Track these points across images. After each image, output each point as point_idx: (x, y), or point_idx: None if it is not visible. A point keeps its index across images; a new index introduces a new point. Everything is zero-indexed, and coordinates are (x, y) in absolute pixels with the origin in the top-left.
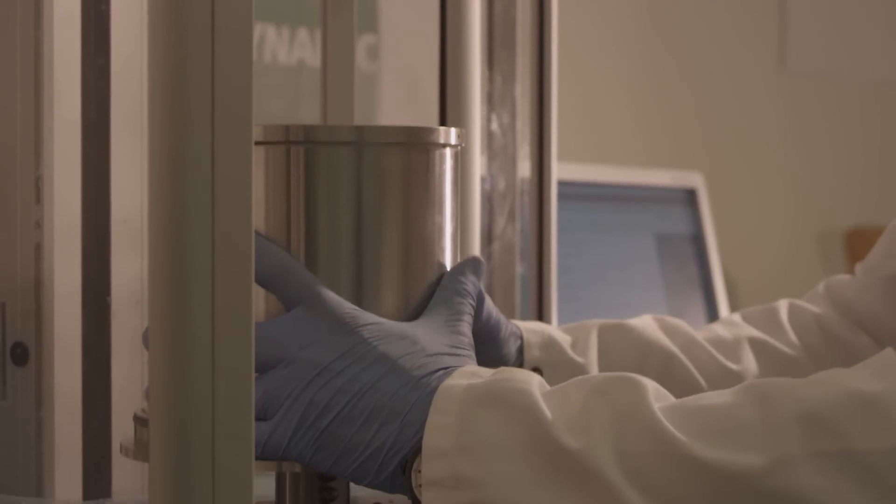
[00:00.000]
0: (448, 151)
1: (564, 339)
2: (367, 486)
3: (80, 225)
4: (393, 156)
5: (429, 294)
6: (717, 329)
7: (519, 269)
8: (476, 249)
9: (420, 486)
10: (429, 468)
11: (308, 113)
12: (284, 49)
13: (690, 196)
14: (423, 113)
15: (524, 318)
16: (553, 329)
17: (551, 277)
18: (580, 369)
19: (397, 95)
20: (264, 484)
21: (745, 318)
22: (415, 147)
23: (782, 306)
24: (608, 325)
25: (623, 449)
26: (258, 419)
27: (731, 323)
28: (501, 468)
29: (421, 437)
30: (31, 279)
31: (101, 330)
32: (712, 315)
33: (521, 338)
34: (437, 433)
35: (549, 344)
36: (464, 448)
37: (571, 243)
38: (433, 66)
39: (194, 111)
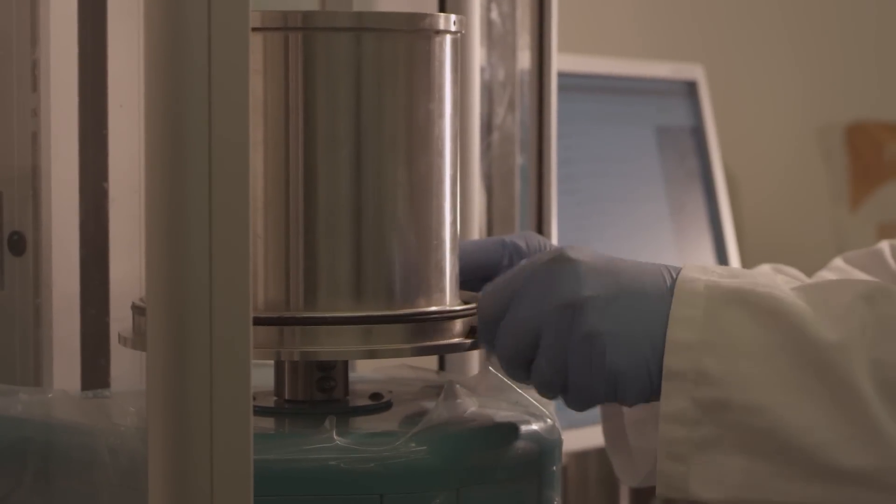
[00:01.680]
0: (448, 38)
1: None
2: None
3: (77, 112)
4: (392, 42)
5: (428, 180)
6: (829, 277)
7: (519, 159)
8: (476, 138)
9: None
10: (671, 359)
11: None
12: None
13: (691, 88)
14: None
15: (523, 209)
16: None
17: (551, 169)
18: None
19: None
20: (263, 375)
21: (851, 263)
22: (414, 33)
23: (885, 248)
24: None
25: (879, 358)
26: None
27: (840, 269)
28: (747, 368)
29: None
30: (27, 168)
31: (100, 218)
32: (712, 209)
33: None
34: (683, 326)
35: None
36: (709, 344)
37: (571, 135)
38: None
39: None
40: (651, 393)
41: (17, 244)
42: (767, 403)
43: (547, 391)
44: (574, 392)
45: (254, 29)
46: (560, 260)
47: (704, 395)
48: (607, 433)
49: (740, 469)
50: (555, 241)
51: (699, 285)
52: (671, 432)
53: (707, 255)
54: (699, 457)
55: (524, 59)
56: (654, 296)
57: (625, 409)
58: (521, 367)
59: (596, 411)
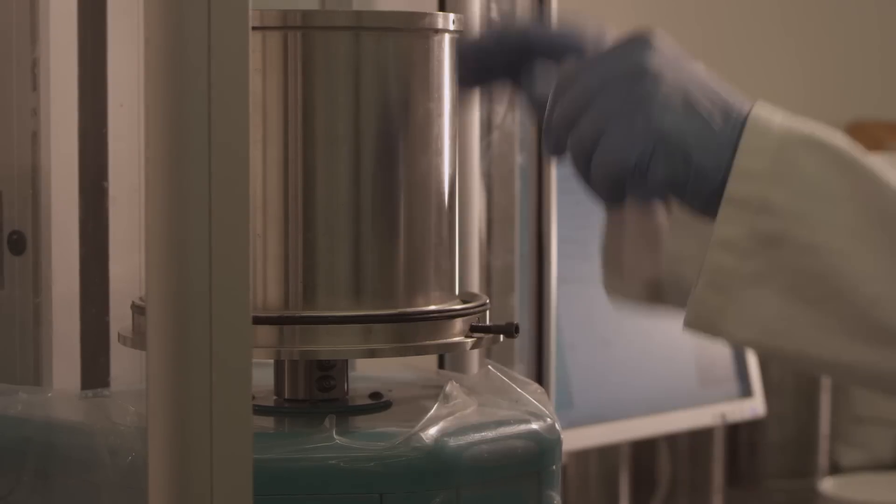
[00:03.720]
0: (447, 37)
1: None
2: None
3: (76, 111)
4: (391, 41)
5: (427, 179)
6: None
7: (518, 158)
8: (476, 137)
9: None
10: (735, 186)
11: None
12: None
13: None
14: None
15: (523, 208)
16: None
17: (550, 167)
18: None
19: None
20: (263, 374)
21: None
22: (413, 32)
23: None
24: None
25: None
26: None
27: None
28: (813, 206)
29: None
30: (27, 167)
31: (99, 217)
32: None
33: None
34: (754, 154)
35: None
36: (780, 175)
37: None
38: None
39: None
40: (681, 190)
41: (18, 243)
42: (828, 246)
43: (579, 155)
44: (602, 157)
45: (253, 28)
46: (638, 40)
47: (764, 227)
48: (605, 246)
49: (782, 313)
50: (554, 241)
51: (773, 123)
52: (720, 260)
53: None
54: (743, 291)
55: None
56: (729, 109)
57: (627, 225)
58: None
59: (600, 411)
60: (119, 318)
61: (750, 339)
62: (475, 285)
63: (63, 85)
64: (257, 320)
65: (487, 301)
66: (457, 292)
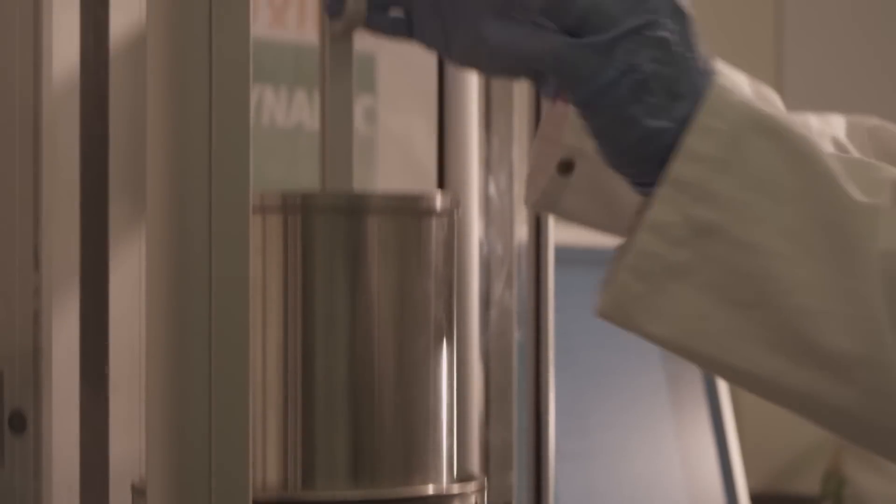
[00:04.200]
0: (444, 219)
1: None
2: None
3: (78, 291)
4: (389, 222)
5: (425, 360)
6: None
7: (517, 335)
8: (474, 315)
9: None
10: (679, 167)
11: (306, 176)
12: (283, 111)
13: None
14: (420, 175)
15: (521, 383)
16: None
17: (549, 343)
18: None
19: (394, 158)
20: None
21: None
22: (410, 214)
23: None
24: None
25: None
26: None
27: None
28: (756, 201)
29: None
30: (29, 347)
31: (100, 399)
32: (710, 379)
33: None
34: (705, 134)
35: None
36: (728, 162)
37: (570, 308)
38: (431, 129)
39: (192, 176)
40: (620, 134)
41: (18, 423)
42: (764, 245)
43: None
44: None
45: (253, 210)
46: None
47: (700, 216)
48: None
49: (701, 311)
50: (552, 417)
51: (734, 97)
52: (648, 244)
53: (704, 426)
54: (665, 282)
55: (522, 233)
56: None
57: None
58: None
59: None
60: (119, 502)
61: (663, 335)
62: (474, 462)
63: (65, 266)
64: (257, 503)
65: (485, 482)
66: (455, 472)
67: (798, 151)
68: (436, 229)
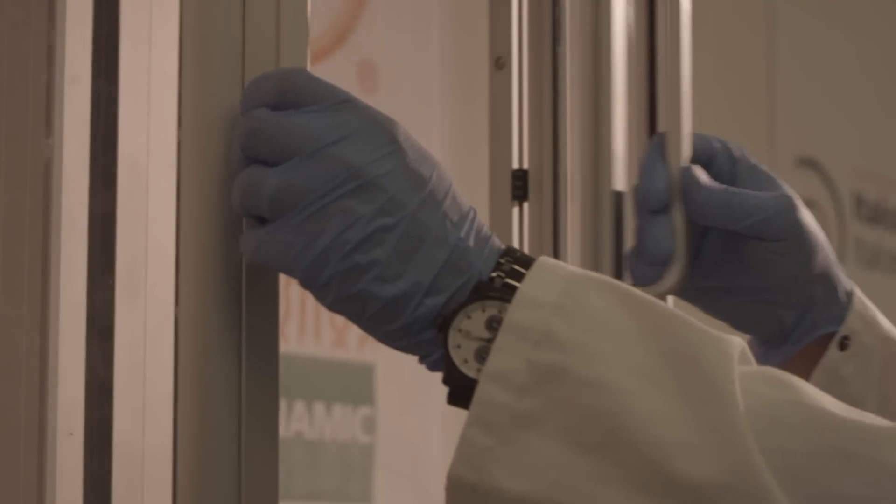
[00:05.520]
0: None
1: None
2: (381, 334)
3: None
4: None
5: None
6: None
7: None
8: None
9: (458, 346)
10: (516, 315)
11: (300, 484)
12: (282, 420)
13: None
14: (422, 485)
15: None
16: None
17: None
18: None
19: (394, 466)
20: None
21: None
22: None
23: None
24: None
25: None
26: (261, 218)
27: None
28: (599, 341)
29: (474, 286)
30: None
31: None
32: None
33: (850, 293)
34: (541, 286)
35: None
36: (567, 308)
37: None
38: (431, 438)
39: None
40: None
41: None
42: (613, 383)
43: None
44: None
45: None
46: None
47: (542, 359)
48: None
49: (557, 459)
50: None
51: (561, 266)
52: (492, 395)
53: None
54: (515, 433)
55: None
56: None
57: None
58: None
59: None
60: None
61: (521, 490)
62: None
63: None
64: None
65: None
66: None
67: (632, 298)
68: None
